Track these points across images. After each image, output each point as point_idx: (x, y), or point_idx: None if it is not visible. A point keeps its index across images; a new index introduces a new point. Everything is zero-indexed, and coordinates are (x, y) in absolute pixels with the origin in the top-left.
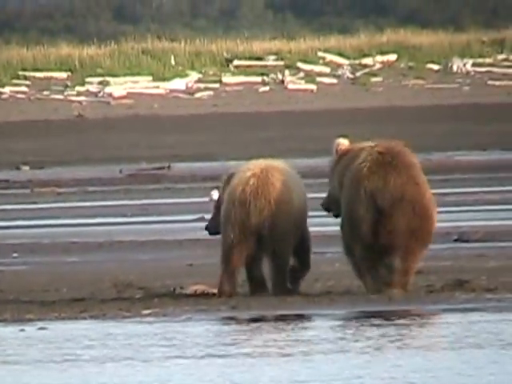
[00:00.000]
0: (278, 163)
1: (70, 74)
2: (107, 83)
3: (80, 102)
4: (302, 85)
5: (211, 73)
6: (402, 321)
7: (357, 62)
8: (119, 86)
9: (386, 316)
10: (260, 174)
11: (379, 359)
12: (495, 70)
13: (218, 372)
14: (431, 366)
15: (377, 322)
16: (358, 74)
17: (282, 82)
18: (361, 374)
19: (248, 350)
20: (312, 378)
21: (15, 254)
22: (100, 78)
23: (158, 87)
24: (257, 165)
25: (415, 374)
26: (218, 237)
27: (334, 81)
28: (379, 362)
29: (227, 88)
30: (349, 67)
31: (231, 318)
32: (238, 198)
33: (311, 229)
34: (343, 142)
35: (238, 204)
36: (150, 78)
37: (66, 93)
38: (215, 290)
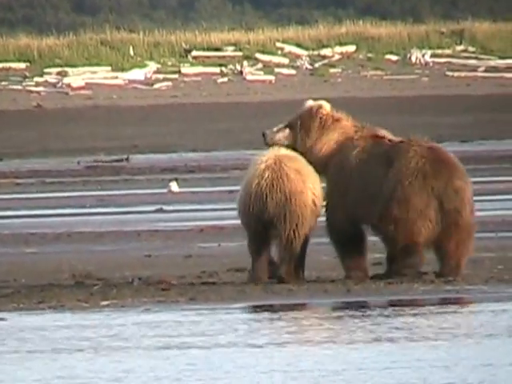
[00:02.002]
0: (290, 152)
1: (28, 64)
2: (66, 74)
3: (38, 93)
4: (261, 76)
5: (170, 63)
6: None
7: (315, 52)
8: (78, 77)
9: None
10: (274, 166)
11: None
12: (454, 61)
13: (174, 363)
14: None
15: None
16: (316, 64)
17: (241, 72)
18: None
19: (202, 340)
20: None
21: None
22: (58, 69)
23: (116, 78)
24: (270, 155)
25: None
26: (175, 228)
27: (293, 72)
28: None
29: (186, 79)
30: (307, 58)
31: (189, 310)
32: (254, 192)
33: None
34: (325, 106)
35: (254, 198)
36: (109, 68)
37: (24, 83)
38: (173, 281)
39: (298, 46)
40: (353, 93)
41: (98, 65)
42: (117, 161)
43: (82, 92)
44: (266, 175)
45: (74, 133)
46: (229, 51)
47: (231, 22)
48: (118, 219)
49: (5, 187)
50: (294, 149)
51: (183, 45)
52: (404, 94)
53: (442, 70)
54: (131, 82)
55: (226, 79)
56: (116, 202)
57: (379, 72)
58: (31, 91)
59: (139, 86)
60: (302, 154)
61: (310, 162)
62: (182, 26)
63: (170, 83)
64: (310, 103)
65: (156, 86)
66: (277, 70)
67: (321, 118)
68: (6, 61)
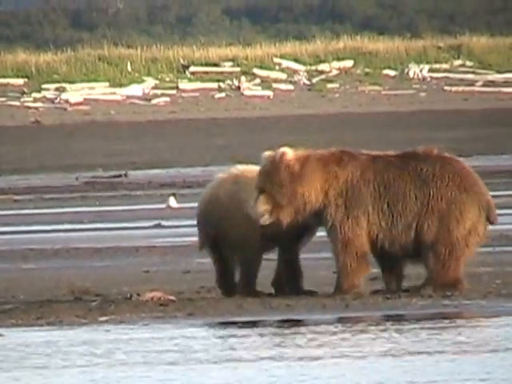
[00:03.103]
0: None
1: (26, 80)
2: (64, 89)
3: (37, 109)
4: (259, 91)
5: (168, 79)
6: (357, 327)
7: (313, 68)
8: (76, 93)
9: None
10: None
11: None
12: (452, 75)
13: (176, 377)
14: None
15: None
16: (314, 80)
17: (239, 88)
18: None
19: (202, 356)
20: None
21: None
22: (57, 85)
23: (114, 93)
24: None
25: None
26: (174, 244)
27: (291, 87)
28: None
29: (184, 94)
30: (305, 73)
31: (189, 325)
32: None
33: None
34: (288, 152)
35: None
36: (107, 84)
37: (22, 99)
38: (171, 297)
39: (296, 61)
40: (351, 108)
41: (95, 80)
42: (115, 176)
43: (80, 108)
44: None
45: (72, 148)
46: (227, 67)
47: (229, 37)
48: (116, 235)
49: (3, 203)
50: (283, 207)
51: (181, 60)
52: (402, 109)
53: (439, 85)
54: (129, 97)
55: (223, 94)
56: (114, 218)
57: (377, 87)
58: (29, 107)
59: (137, 102)
60: (294, 207)
61: (306, 211)
62: (179, 41)
63: (167, 99)
64: (266, 154)
65: (154, 101)
66: (275, 85)
67: (287, 165)
68: (4, 77)
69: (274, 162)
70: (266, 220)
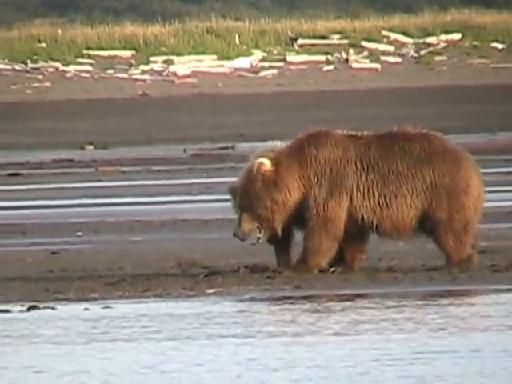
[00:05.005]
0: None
1: (134, 52)
2: (171, 62)
3: (144, 81)
4: (367, 64)
5: (275, 52)
6: (464, 300)
7: (421, 41)
8: (183, 65)
9: (448, 295)
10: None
11: (435, 339)
12: None
13: (280, 350)
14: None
15: (439, 301)
16: (422, 52)
17: (346, 60)
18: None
19: (304, 329)
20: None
21: (79, 233)
22: (164, 57)
23: (222, 66)
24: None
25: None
26: None
27: (399, 60)
28: (437, 341)
29: (291, 67)
30: (413, 46)
31: (293, 298)
32: None
33: None
34: (265, 162)
35: None
36: (215, 56)
37: (130, 72)
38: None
39: (404, 33)
40: (458, 81)
41: (203, 53)
42: (222, 148)
43: (188, 80)
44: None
45: (179, 121)
46: (334, 39)
47: (337, 10)
48: (224, 207)
49: (110, 175)
50: (269, 218)
51: (289, 33)
52: (510, 82)
53: None
54: (237, 70)
55: (331, 67)
56: (222, 190)
57: (485, 60)
58: (137, 79)
59: (245, 74)
60: (280, 212)
61: (294, 206)
62: (287, 14)
63: (275, 71)
64: (243, 169)
65: (261, 74)
66: (382, 57)
67: (262, 176)
68: (112, 49)
69: (251, 175)
70: (257, 239)
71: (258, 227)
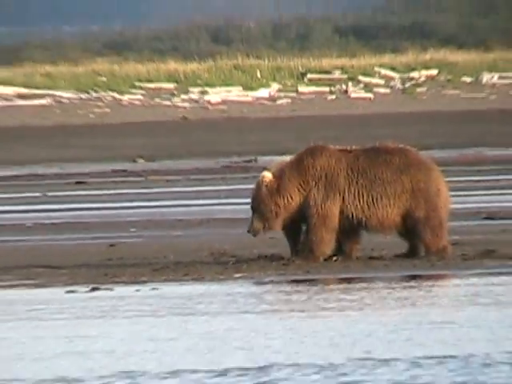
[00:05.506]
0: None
1: (176, 84)
2: (206, 92)
3: (184, 108)
4: (362, 94)
5: (289, 84)
6: (440, 282)
7: (406, 75)
8: (215, 95)
9: (425, 278)
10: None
11: (412, 313)
12: None
13: (294, 322)
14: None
15: (421, 283)
16: (406, 85)
17: (346, 91)
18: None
19: (309, 306)
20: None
21: (133, 229)
22: (200, 88)
23: (246, 96)
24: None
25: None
26: None
27: (388, 91)
28: (414, 315)
29: (302, 96)
30: (399, 80)
31: (304, 281)
32: None
33: None
34: (267, 174)
35: None
36: (241, 88)
37: (173, 100)
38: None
39: (392, 69)
40: (436, 108)
41: (231, 85)
42: (247, 161)
43: (219, 107)
44: None
45: (212, 139)
46: (336, 74)
47: (338, 50)
48: (248, 208)
49: (157, 183)
50: (272, 218)
51: (300, 69)
52: (476, 108)
53: (507, 91)
54: (258, 98)
55: (334, 96)
56: (246, 194)
57: (457, 91)
58: (178, 106)
59: (264, 102)
60: (282, 214)
61: (295, 209)
62: (298, 53)
63: (289, 100)
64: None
65: (278, 102)
66: (375, 89)
67: (266, 186)
68: (158, 81)
69: (258, 185)
70: (260, 234)
71: (264, 225)
